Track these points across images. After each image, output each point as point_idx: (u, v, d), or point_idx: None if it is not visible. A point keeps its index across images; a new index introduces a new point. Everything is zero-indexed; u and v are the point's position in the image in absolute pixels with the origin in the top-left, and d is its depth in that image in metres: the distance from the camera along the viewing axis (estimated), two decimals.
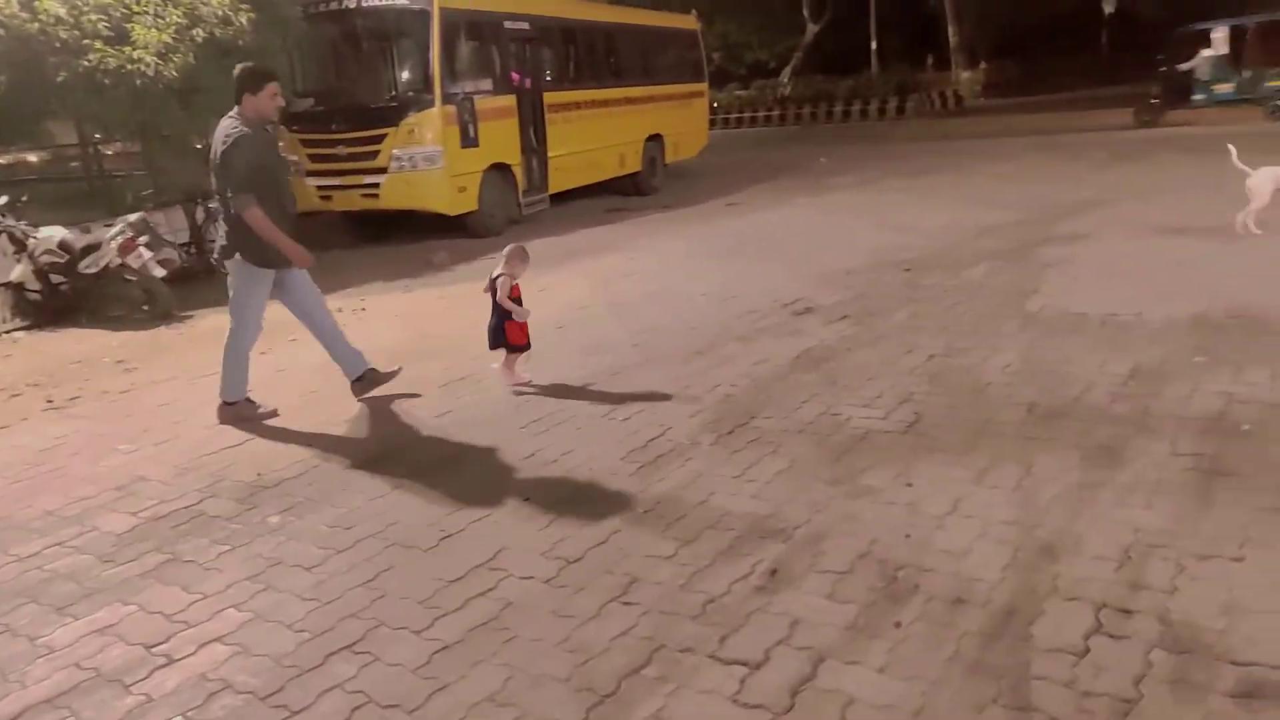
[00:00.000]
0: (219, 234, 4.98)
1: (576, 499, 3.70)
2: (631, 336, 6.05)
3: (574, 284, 7.91)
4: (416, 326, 6.90)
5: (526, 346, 5.27)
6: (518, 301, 5.19)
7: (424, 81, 10.58)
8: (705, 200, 13.18)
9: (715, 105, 29.08)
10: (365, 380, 5.19)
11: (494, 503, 3.71)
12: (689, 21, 17.76)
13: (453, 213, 10.76)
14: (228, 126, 4.65)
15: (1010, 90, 36.86)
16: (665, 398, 4.82)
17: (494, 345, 5.23)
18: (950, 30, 38.02)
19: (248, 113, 4.70)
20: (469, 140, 10.77)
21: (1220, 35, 17.93)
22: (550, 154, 12.52)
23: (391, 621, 2.89)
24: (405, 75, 11.24)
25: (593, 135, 13.55)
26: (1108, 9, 33.62)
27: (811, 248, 8.87)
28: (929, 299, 6.44)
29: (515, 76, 11.95)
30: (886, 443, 4.01)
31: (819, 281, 7.27)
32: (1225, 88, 17.86)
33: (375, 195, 10.69)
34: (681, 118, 16.50)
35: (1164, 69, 18.63)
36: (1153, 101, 18.57)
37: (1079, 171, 12.75)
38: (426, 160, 10.44)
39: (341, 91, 11.42)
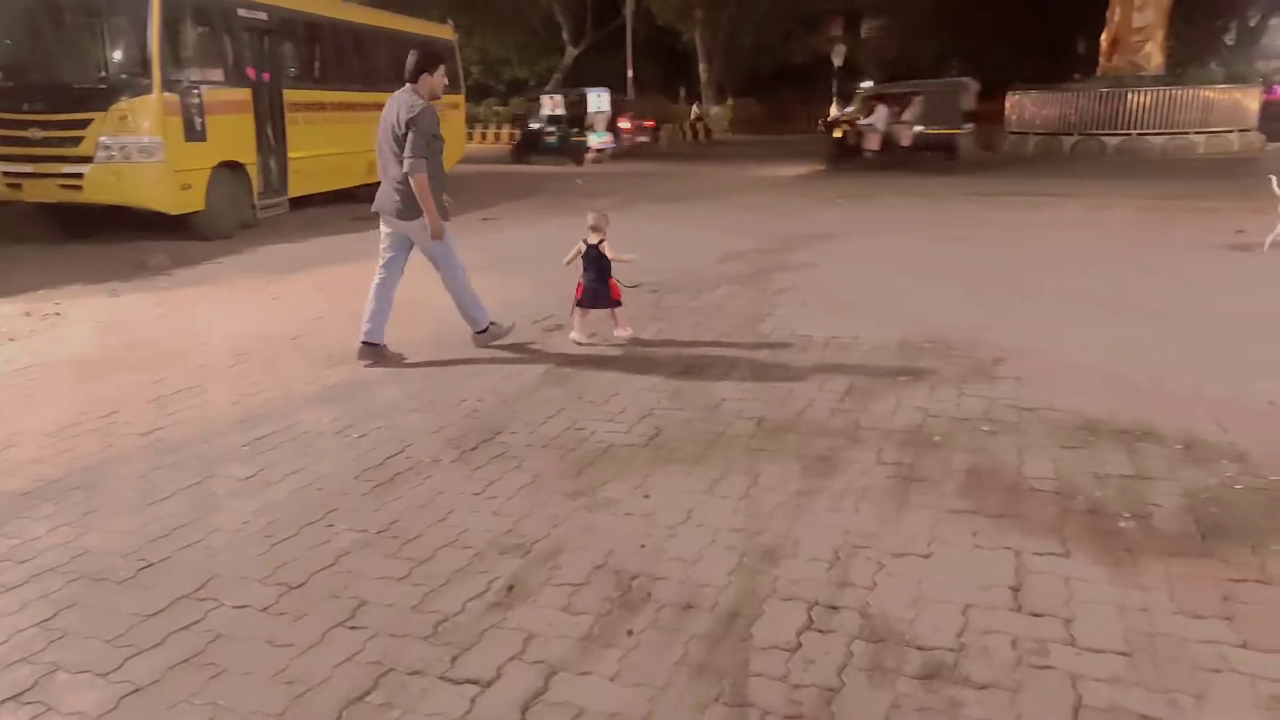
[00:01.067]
0: (388, 196, 5.45)
1: (301, 521, 3.47)
2: None
3: (310, 294, 7.50)
4: (124, 334, 6.24)
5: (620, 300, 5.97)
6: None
7: (141, 64, 9.64)
8: (460, 214, 12.96)
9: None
10: (487, 333, 5.88)
11: (206, 528, 3.41)
12: (445, 31, 17.53)
13: (174, 211, 9.88)
14: (407, 99, 5.27)
15: (754, 126, 39.48)
16: (407, 413, 4.67)
17: (595, 305, 5.92)
18: (701, 67, 40.09)
19: (423, 89, 5.35)
20: (195, 134, 9.96)
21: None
22: (290, 155, 11.86)
23: (71, 665, 2.56)
24: (119, 55, 10.15)
25: (338, 139, 12.99)
26: (836, 61, 36.90)
27: (563, 265, 8.95)
28: (672, 317, 6.70)
29: (252, 70, 11.22)
30: (628, 456, 4.10)
31: (568, 299, 7.34)
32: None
33: (78, 187, 9.58)
34: None
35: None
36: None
37: (806, 208, 13.82)
38: (142, 152, 9.50)
39: (39, 66, 10.15)
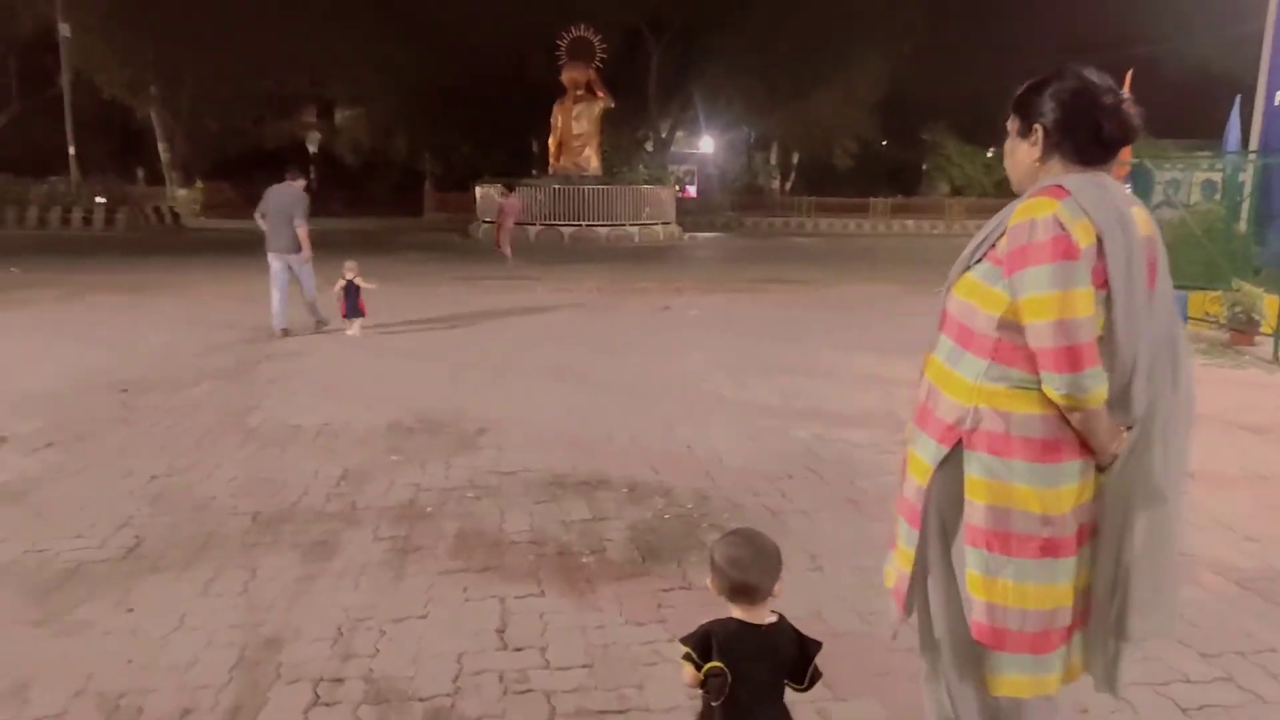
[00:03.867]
0: None
1: None
2: None
3: None
4: None
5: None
6: None
7: None
8: None
9: None
10: None
11: None
12: None
13: None
14: None
15: (230, 211, 37.48)
16: None
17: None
18: (161, 146, 37.17)
19: None
20: None
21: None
22: None
23: None
24: None
25: None
26: (311, 148, 36.83)
27: (3, 368, 7.81)
28: (148, 420, 6.24)
29: None
30: (103, 572, 3.80)
31: (14, 408, 6.45)
32: None
33: None
34: None
35: None
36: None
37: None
38: None
39: None
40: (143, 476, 5.03)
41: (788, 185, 47.13)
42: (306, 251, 9.90)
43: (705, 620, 2.04)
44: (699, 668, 1.96)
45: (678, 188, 34.25)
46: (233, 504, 4.64)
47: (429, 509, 4.60)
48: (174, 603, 3.52)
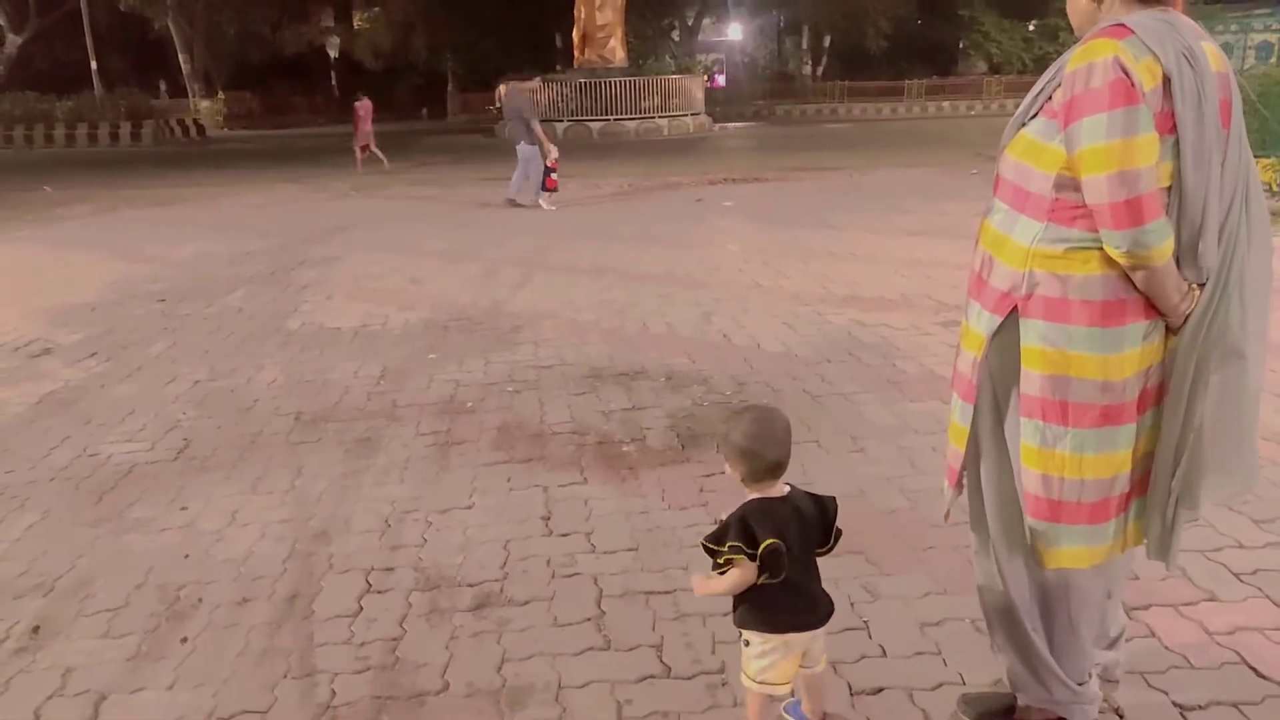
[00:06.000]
0: None
1: None
2: None
3: None
4: None
5: None
6: None
7: None
8: None
9: None
10: None
11: None
12: None
13: None
14: None
15: (253, 122, 37.16)
16: None
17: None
18: (182, 58, 36.71)
19: None
20: None
21: None
22: None
23: None
24: None
25: None
26: (332, 53, 36.09)
27: (44, 282, 7.90)
28: (187, 328, 6.30)
29: None
30: (155, 472, 3.88)
31: (57, 319, 6.54)
32: None
33: None
34: None
35: None
36: None
37: (321, 201, 13.59)
38: None
39: None
40: (186, 382, 5.10)
41: (819, 70, 45.54)
42: (546, 146, 11.78)
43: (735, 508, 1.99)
44: (752, 556, 1.90)
45: (706, 78, 33.26)
46: (276, 405, 4.69)
47: (469, 404, 4.62)
48: (225, 500, 3.59)
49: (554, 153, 11.95)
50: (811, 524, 2.00)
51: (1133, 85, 1.70)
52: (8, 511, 3.53)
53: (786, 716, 2.24)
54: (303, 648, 2.61)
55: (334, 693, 2.41)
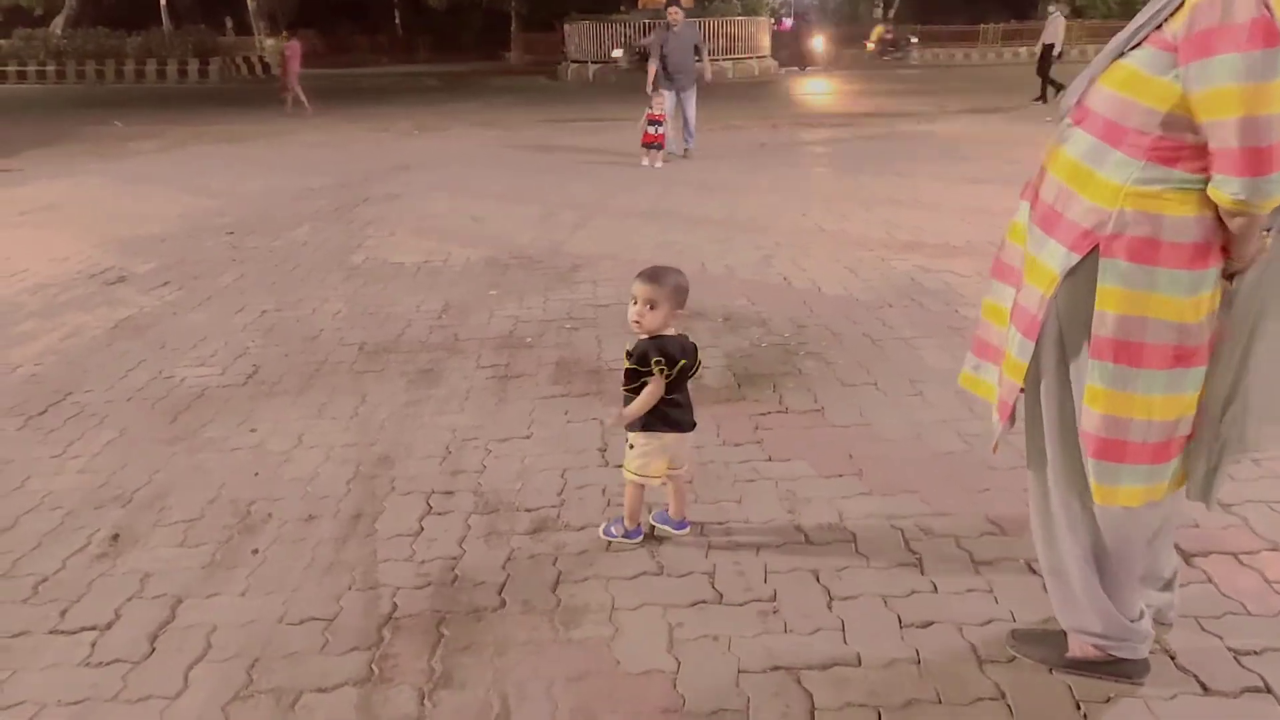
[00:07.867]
0: None
1: None
2: None
3: None
4: None
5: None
6: None
7: None
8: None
9: None
10: None
11: None
12: None
13: None
14: None
15: (317, 61, 37.25)
16: None
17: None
18: None
19: None
20: None
21: None
22: None
23: None
24: None
25: None
26: None
27: (117, 214, 8.13)
28: (254, 260, 6.45)
29: None
30: (226, 395, 4.02)
31: (130, 249, 6.74)
32: None
33: None
34: None
35: None
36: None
37: (386, 141, 13.68)
38: None
39: None
40: (254, 311, 5.23)
41: (890, 14, 44.14)
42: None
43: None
44: (666, 374, 2.55)
45: (773, 20, 32.42)
46: (340, 335, 4.79)
47: (528, 339, 4.67)
48: (292, 424, 3.70)
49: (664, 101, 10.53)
50: (689, 355, 2.62)
51: (1275, 23, 1.59)
52: (87, 428, 3.69)
53: (657, 524, 2.83)
54: (366, 563, 2.70)
55: (396, 605, 2.50)
